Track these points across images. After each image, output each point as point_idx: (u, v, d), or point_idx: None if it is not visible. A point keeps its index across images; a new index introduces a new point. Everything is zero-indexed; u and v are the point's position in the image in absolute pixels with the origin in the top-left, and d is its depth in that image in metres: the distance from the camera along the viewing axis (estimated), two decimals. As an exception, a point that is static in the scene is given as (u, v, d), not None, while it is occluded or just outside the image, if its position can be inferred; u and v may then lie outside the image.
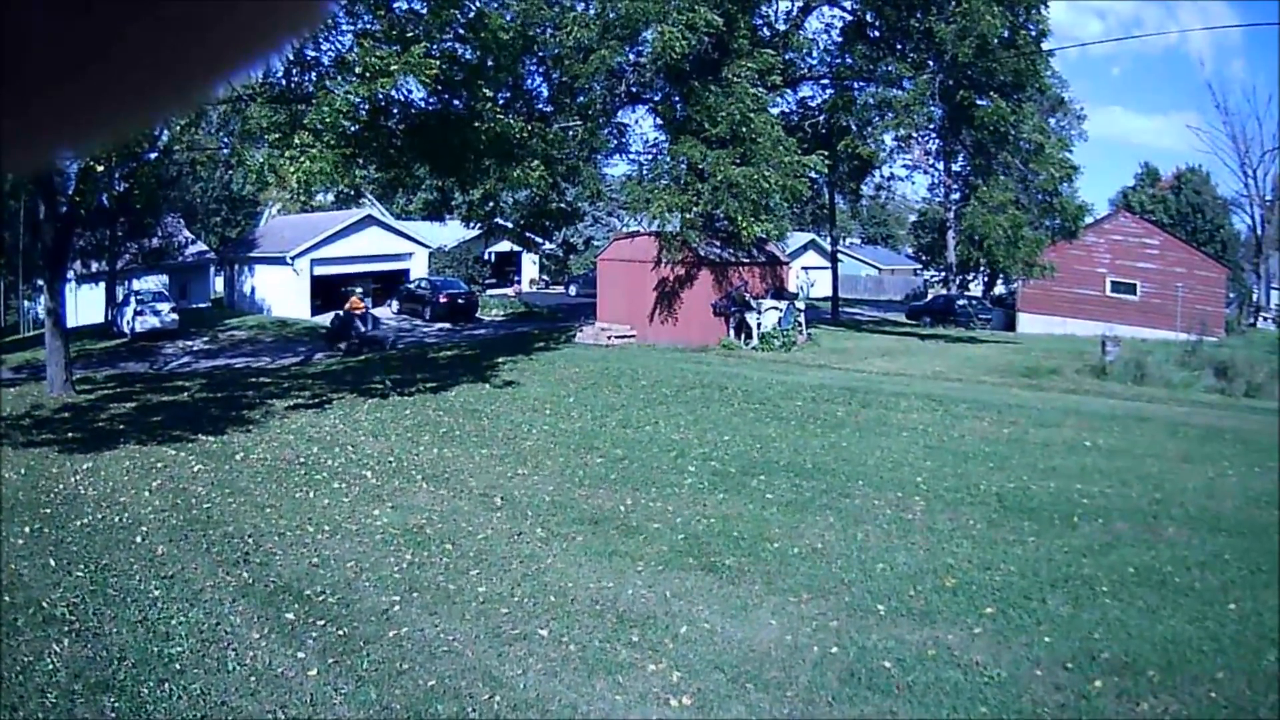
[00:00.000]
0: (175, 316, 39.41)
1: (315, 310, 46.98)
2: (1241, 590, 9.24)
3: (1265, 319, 57.62)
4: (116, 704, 7.00)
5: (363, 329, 33.48)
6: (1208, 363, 27.36)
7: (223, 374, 27.77)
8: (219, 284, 57.04)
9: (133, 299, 39.90)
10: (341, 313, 34.93)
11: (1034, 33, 33.78)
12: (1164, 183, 69.74)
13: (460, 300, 44.83)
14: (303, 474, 14.38)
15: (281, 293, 48.40)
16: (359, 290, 36.87)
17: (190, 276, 53.23)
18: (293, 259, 47.38)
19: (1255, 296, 61.22)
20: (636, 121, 70.46)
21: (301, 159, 19.91)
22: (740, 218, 29.91)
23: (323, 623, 8.54)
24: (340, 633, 8.34)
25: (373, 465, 14.96)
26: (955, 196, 44.30)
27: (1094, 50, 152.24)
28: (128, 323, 38.49)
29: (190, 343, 37.23)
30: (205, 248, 56.48)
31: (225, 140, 27.94)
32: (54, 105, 0.48)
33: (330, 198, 45.23)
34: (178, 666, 7.60)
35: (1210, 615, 8.61)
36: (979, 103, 33.32)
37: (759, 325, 31.97)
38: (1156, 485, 13.43)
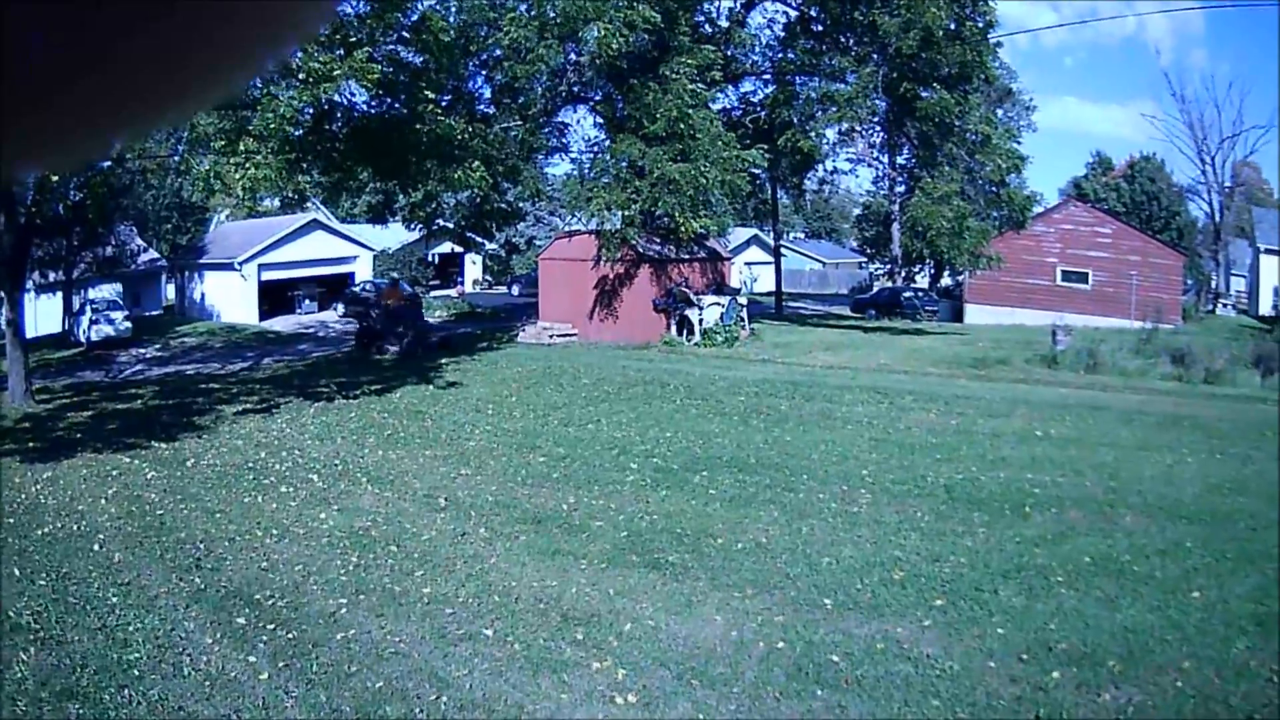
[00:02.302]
0: (129, 325, 39.33)
1: (263, 315, 46.93)
2: (1205, 578, 9.26)
3: (1225, 305, 58.29)
4: (81, 711, 7.16)
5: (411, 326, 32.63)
6: (1163, 350, 27.23)
7: (174, 381, 27.63)
8: (170, 291, 56.54)
9: (88, 308, 39.70)
10: (375, 310, 34.34)
11: (980, 24, 34.14)
12: (1116, 171, 70.42)
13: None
14: (251, 479, 14.48)
15: (230, 299, 48.23)
16: (400, 279, 35.94)
17: (143, 284, 52.64)
18: (240, 264, 47.28)
19: (1214, 283, 61.88)
20: (578, 121, 70.47)
21: (247, 165, 19.99)
22: (678, 214, 30.16)
23: (273, 626, 8.68)
24: (290, 636, 8.48)
25: (319, 469, 15.08)
26: (900, 189, 44.53)
27: (1047, 41, 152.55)
28: (84, 332, 38.31)
29: (144, 350, 37.05)
30: (157, 255, 55.81)
31: (176, 147, 27.86)
32: (53, 116, 0.47)
33: (276, 203, 45.05)
34: (136, 673, 7.73)
35: (1173, 604, 8.62)
36: (923, 95, 33.64)
37: (701, 321, 32.07)
38: (1112, 474, 13.54)
